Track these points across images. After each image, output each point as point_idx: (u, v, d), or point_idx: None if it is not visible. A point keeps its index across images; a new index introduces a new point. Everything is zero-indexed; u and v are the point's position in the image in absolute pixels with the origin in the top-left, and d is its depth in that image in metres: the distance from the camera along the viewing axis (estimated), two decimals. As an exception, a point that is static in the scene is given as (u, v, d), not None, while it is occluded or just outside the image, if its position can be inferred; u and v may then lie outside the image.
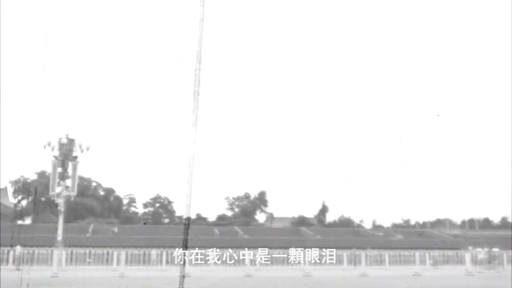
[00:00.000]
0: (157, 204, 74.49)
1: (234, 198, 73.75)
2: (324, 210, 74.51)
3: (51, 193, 32.20)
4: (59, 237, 31.15)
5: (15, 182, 61.43)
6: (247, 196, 73.55)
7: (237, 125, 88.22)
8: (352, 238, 56.53)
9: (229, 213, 73.20)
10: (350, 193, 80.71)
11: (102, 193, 64.29)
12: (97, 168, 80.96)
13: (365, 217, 77.08)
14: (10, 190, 61.60)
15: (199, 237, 48.96)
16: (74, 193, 33.04)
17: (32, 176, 61.78)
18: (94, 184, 64.47)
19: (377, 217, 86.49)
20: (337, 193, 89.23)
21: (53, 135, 32.00)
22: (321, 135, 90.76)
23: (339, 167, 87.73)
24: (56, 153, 31.52)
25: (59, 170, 31.45)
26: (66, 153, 31.23)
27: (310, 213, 76.95)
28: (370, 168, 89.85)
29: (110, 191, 64.14)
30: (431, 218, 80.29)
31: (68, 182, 31.98)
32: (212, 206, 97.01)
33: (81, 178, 64.17)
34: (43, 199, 62.27)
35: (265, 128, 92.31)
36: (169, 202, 73.88)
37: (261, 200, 67.80)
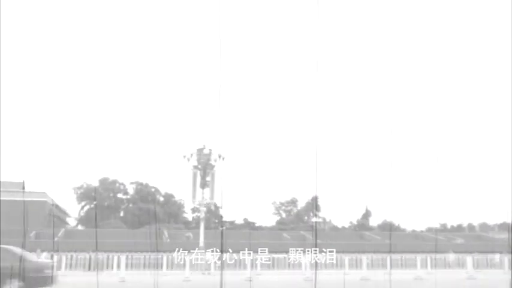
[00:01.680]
0: (205, 209, 75.56)
1: (281, 203, 75.35)
2: (367, 214, 76.50)
3: (192, 201, 33.33)
4: (201, 243, 32.27)
5: (77, 188, 62.10)
6: (293, 201, 75.19)
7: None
8: (416, 242, 58.11)
9: (276, 218, 74.82)
10: (391, 197, 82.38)
11: (161, 198, 65.24)
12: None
13: (407, 221, 79.15)
14: (73, 196, 62.29)
15: (271, 241, 50.24)
16: (214, 201, 34.28)
17: (95, 183, 62.61)
18: (152, 189, 65.35)
19: (416, 220, 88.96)
20: (378, 197, 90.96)
21: (190, 145, 33.32)
22: (359, 139, 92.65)
23: (379, 172, 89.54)
24: (195, 162, 32.72)
25: (199, 179, 32.67)
26: (205, 163, 32.46)
27: (353, 217, 78.90)
28: (407, 172, 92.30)
29: (169, 196, 65.13)
30: (464, 221, 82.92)
31: (207, 191, 33.16)
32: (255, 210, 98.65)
33: (139, 184, 65.23)
34: (106, 204, 63.15)
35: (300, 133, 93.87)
36: (217, 207, 74.94)
37: (313, 205, 69.36)
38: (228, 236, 53.86)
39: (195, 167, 32.79)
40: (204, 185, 32.74)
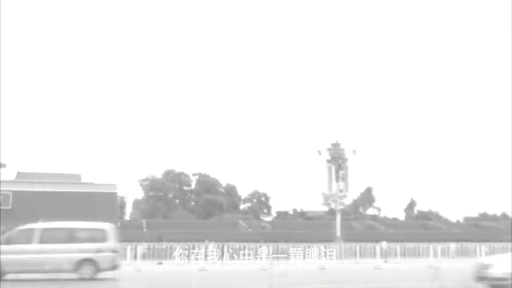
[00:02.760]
0: (255, 200, 76.64)
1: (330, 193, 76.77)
2: (412, 204, 78.45)
3: (327, 193, 34.50)
4: (338, 233, 33.55)
5: (143, 180, 62.75)
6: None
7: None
8: (476, 231, 59.79)
9: (325, 209, 76.21)
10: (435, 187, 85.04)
11: (221, 189, 66.12)
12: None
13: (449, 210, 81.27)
14: (139, 187, 62.95)
15: (348, 231, 51.33)
16: (348, 192, 35.48)
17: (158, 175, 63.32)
18: (213, 181, 66.18)
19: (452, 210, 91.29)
20: (422, 187, 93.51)
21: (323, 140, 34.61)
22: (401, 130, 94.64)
23: (423, 162, 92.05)
24: (328, 157, 33.98)
25: (334, 172, 33.92)
26: (340, 157, 33.73)
27: (400, 207, 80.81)
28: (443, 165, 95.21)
29: (231, 188, 66.04)
30: (498, 211, 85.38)
31: (342, 184, 34.39)
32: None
33: (202, 175, 66.11)
34: (171, 196, 63.97)
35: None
36: (267, 198, 75.83)
37: (368, 195, 71.12)
38: (303, 227, 55.03)
39: (329, 161, 34.02)
40: (339, 177, 33.98)
